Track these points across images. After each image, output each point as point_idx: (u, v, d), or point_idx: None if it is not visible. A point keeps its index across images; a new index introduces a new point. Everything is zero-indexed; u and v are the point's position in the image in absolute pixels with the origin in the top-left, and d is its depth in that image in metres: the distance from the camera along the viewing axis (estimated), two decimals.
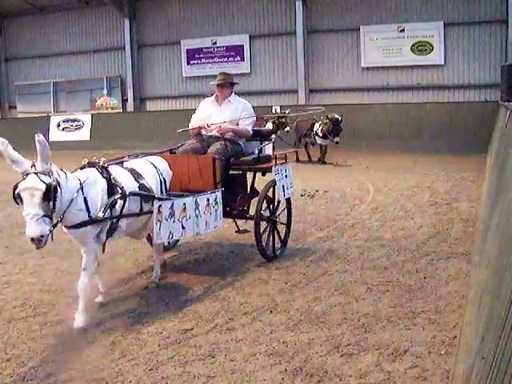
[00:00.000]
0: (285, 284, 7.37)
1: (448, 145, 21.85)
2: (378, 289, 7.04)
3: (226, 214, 8.25)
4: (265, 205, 8.54)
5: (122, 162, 7.20)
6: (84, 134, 30.30)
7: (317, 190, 14.19)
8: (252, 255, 8.76)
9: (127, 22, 30.16)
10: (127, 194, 6.52)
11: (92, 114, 30.80)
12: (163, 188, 7.42)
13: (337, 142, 19.66)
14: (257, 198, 8.45)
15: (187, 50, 29.74)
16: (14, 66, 33.65)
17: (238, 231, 9.05)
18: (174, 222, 6.89)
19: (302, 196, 13.65)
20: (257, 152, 8.62)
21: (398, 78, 26.35)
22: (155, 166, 7.44)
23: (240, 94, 29.17)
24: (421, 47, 25.75)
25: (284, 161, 8.91)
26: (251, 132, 8.83)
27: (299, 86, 27.56)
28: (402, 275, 7.56)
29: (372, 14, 26.19)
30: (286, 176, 8.72)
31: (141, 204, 6.87)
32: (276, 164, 8.60)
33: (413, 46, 25.83)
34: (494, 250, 4.94)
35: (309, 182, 15.78)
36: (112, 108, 31.70)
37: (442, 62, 25.62)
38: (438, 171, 17.04)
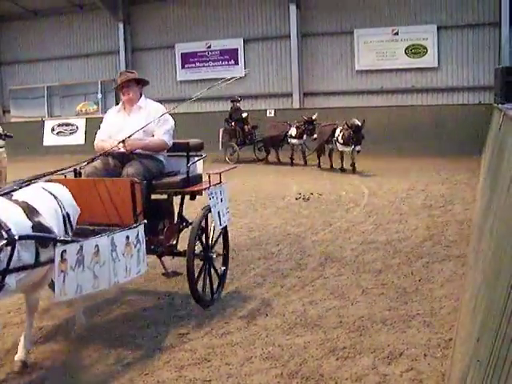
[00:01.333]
0: (280, 287, 7.37)
1: (442, 147, 21.87)
2: (373, 292, 7.05)
3: (148, 251, 6.42)
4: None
5: (9, 193, 5.28)
6: (78, 138, 30.21)
7: (311, 194, 14.19)
8: (245, 259, 8.76)
9: (121, 26, 30.10)
10: (16, 237, 4.70)
11: (86, 118, 30.71)
12: (67, 226, 5.59)
13: (358, 151, 18.00)
14: (188, 229, 7.06)
15: (181, 54, 29.71)
16: (7, 71, 33.56)
17: (166, 273, 7.79)
18: (83, 271, 5.21)
19: (296, 199, 13.66)
20: (185, 171, 7.01)
21: (393, 81, 26.37)
22: (55, 197, 5.57)
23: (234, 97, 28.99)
24: (415, 50, 25.77)
25: (219, 181, 7.25)
26: (170, 143, 7.12)
27: (294, 90, 27.55)
28: (397, 278, 7.57)
29: (366, 17, 26.20)
30: (221, 200, 7.19)
31: (37, 251, 5.02)
32: (210, 185, 7.03)
33: (407, 48, 25.85)
34: (488, 252, 4.95)
35: (303, 185, 15.81)
36: (92, 113, 31.72)
37: (436, 65, 25.65)
38: (433, 174, 17.07)
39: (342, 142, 18.36)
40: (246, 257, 8.87)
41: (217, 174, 7.24)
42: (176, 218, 7.27)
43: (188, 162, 7.19)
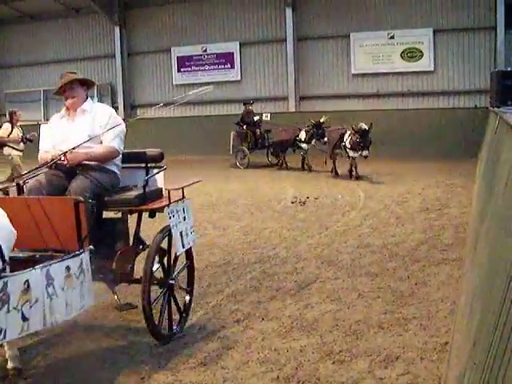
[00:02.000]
0: (276, 291, 7.36)
1: (438, 151, 21.90)
2: (369, 295, 7.04)
3: (98, 278, 5.64)
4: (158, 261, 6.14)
5: None
6: None
7: (307, 197, 14.18)
8: (242, 263, 8.75)
9: (117, 30, 30.09)
10: None
11: None
12: None
13: (365, 156, 16.98)
14: (145, 253, 6.10)
15: (177, 58, 29.70)
16: (3, 74, 33.50)
17: (120, 307, 6.70)
18: (7, 312, 4.20)
19: (292, 203, 13.66)
20: (142, 185, 6.07)
21: (388, 85, 26.40)
22: None
23: (230, 101, 29.17)
24: (410, 54, 25.80)
25: (181, 196, 6.39)
26: (120, 150, 6.26)
27: (289, 93, 27.56)
28: (393, 281, 7.57)
29: (362, 20, 26.22)
30: (184, 218, 6.30)
31: None
32: (170, 202, 6.12)
33: (402, 52, 25.87)
34: (484, 255, 4.95)
35: (299, 189, 15.81)
36: None
37: (432, 69, 25.67)
38: (429, 177, 17.07)
39: (349, 147, 17.54)
40: (242, 260, 8.87)
41: (178, 189, 6.35)
42: (132, 240, 6.31)
43: (147, 175, 6.40)
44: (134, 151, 6.71)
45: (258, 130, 22.62)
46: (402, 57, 25.88)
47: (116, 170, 6.25)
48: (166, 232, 6.07)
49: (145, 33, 30.22)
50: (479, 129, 20.18)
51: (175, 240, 6.07)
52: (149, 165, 6.60)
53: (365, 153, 16.86)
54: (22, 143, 15.02)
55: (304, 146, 20.15)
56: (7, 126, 15.06)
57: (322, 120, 19.59)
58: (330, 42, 27.06)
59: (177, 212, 6.17)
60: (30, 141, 14.96)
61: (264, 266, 8.56)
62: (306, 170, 20.31)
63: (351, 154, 17.58)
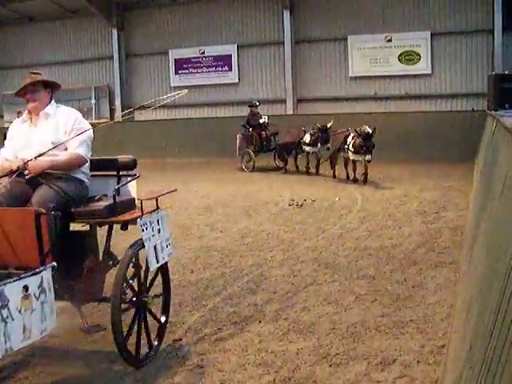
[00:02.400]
0: (273, 294, 7.36)
1: (435, 154, 21.89)
2: (366, 298, 7.04)
3: (63, 296, 5.22)
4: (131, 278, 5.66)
5: None
6: None
7: (305, 200, 14.18)
8: (239, 265, 8.75)
9: (115, 32, 30.08)
10: None
11: None
12: None
13: (368, 161, 16.53)
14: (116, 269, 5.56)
15: (175, 60, 29.71)
16: (1, 76, 33.47)
17: (86, 329, 5.98)
18: None
19: (290, 205, 13.66)
20: (112, 195, 5.53)
21: (386, 88, 26.43)
22: None
23: (228, 103, 29.20)
24: (408, 57, 25.83)
25: (155, 207, 5.87)
26: (87, 158, 5.75)
27: (287, 96, 27.57)
28: (390, 284, 7.57)
29: (359, 23, 26.25)
30: (159, 231, 5.79)
31: None
32: (143, 213, 5.61)
33: (400, 55, 25.91)
34: (481, 258, 4.96)
35: (297, 191, 15.81)
36: None
37: (430, 72, 25.71)
38: (426, 180, 17.08)
39: (352, 150, 17.09)
40: (239, 263, 8.87)
41: (150, 198, 5.82)
42: (102, 255, 5.84)
43: (119, 183, 5.93)
44: (104, 158, 6.21)
45: (264, 133, 22.10)
46: (399, 60, 25.92)
47: (84, 179, 5.76)
48: (139, 246, 5.56)
49: (143, 35, 30.22)
50: (476, 132, 20.17)
51: (148, 254, 5.56)
52: (121, 173, 6.09)
53: (367, 157, 16.44)
54: None
55: (308, 148, 19.80)
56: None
57: (328, 125, 18.99)
58: (327, 45, 27.08)
59: (150, 224, 5.67)
60: None
61: (261, 268, 8.56)
62: (312, 173, 19.86)
63: (353, 157, 17.23)
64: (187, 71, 29.57)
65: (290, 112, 27.26)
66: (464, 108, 24.96)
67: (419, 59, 25.70)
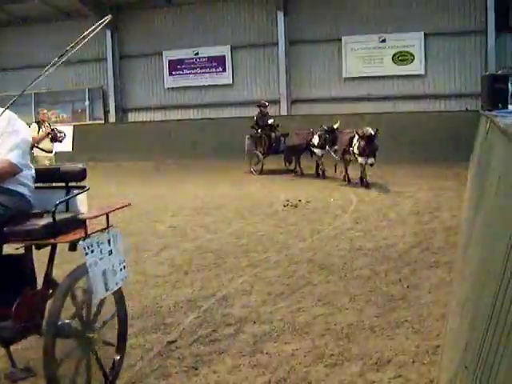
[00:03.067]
0: (268, 295, 7.35)
1: (429, 154, 21.94)
2: (361, 299, 7.04)
3: None
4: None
5: None
6: (66, 146, 30.13)
7: (299, 201, 14.18)
8: (233, 267, 8.75)
9: (109, 34, 30.08)
10: None
11: (74, 126, 30.62)
12: None
13: (371, 164, 16.02)
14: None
15: (169, 61, 29.74)
16: None
17: (10, 375, 4.80)
18: None
19: (284, 207, 13.66)
20: (52, 211, 4.57)
21: (380, 88, 26.48)
22: None
23: (222, 104, 29.28)
24: (402, 57, 25.92)
25: (106, 225, 4.88)
26: (21, 165, 4.75)
27: (281, 97, 27.62)
28: (384, 285, 7.57)
29: (353, 24, 26.32)
30: (110, 253, 4.79)
31: None
32: (87, 233, 4.60)
33: (394, 56, 26.00)
34: (475, 258, 4.96)
35: (291, 192, 15.81)
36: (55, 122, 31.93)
37: (423, 72, 25.81)
38: (420, 180, 17.10)
39: (357, 152, 16.37)
40: (234, 264, 8.85)
41: (97, 216, 4.85)
42: (41, 283, 4.82)
43: (67, 195, 5.09)
44: (48, 167, 5.40)
45: (273, 134, 21.29)
46: (393, 60, 26.00)
47: (24, 192, 4.80)
48: (81, 273, 4.63)
49: (136, 36, 30.25)
50: (470, 132, 20.21)
51: (94, 282, 4.55)
52: (71, 184, 5.23)
53: (370, 160, 15.89)
54: (51, 144, 14.90)
55: (317, 151, 19.00)
56: (34, 126, 14.90)
57: (335, 126, 18.27)
58: (321, 46, 27.17)
59: (98, 246, 4.65)
60: (59, 141, 14.85)
61: (255, 269, 8.55)
62: (320, 176, 19.09)
63: (359, 160, 16.45)
64: (181, 72, 29.63)
65: (284, 113, 27.33)
66: (458, 108, 25.06)
67: (413, 60, 25.81)
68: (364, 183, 16.58)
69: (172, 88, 29.97)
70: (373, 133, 15.99)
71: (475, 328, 3.42)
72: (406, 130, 23.75)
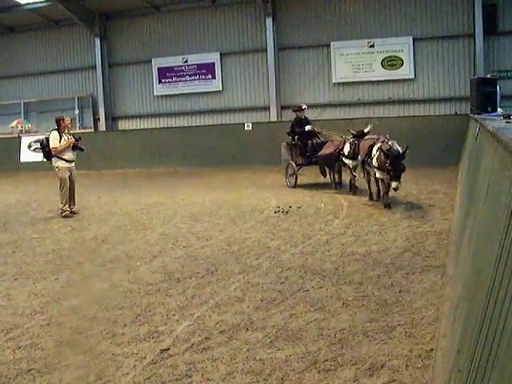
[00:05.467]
0: (260, 301, 7.34)
1: (419, 158, 21.90)
2: (353, 304, 7.04)
3: None
4: None
5: None
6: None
7: (290, 207, 14.19)
8: (225, 273, 8.74)
9: (98, 42, 30.09)
10: None
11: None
12: None
13: (394, 189, 12.90)
14: None
15: (158, 69, 29.74)
16: None
17: None
18: None
19: (275, 213, 13.65)
20: None
21: (369, 93, 26.56)
22: None
23: (212, 111, 29.33)
24: (391, 62, 26.00)
25: None
26: None
27: (271, 103, 27.65)
28: (377, 289, 7.57)
29: (342, 29, 26.43)
30: None
31: None
32: None
33: (383, 60, 26.07)
34: (467, 262, 4.97)
35: (282, 198, 15.81)
36: (27, 131, 31.94)
37: (412, 76, 25.90)
38: (411, 184, 17.10)
39: (376, 165, 13.70)
40: (226, 271, 8.84)
41: None
42: None
43: None
44: None
45: (309, 142, 18.36)
46: (382, 65, 26.07)
47: None
48: None
49: (125, 44, 30.26)
50: (460, 135, 20.30)
51: None
52: None
53: (394, 184, 12.79)
54: (72, 153, 14.41)
55: (348, 162, 16.05)
56: (55, 134, 14.29)
57: (366, 130, 15.92)
58: (310, 51, 27.23)
59: None
60: (81, 149, 14.51)
61: (248, 276, 8.54)
62: (352, 190, 16.28)
63: (378, 174, 13.79)
64: (170, 80, 29.62)
65: (274, 119, 27.38)
66: (447, 112, 25.17)
67: (402, 64, 25.89)
68: (385, 203, 13.69)
69: (162, 96, 29.97)
70: (400, 151, 13.07)
71: (468, 332, 3.43)
72: (395, 135, 23.63)
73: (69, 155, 14.40)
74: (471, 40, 24.50)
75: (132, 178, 24.00)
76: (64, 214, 14.17)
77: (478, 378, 2.57)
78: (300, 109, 19.13)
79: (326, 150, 17.35)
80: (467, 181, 10.36)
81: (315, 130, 18.50)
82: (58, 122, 14.28)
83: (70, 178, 14.32)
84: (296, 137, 18.47)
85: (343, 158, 16.34)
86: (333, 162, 17.32)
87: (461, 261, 5.93)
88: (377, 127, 17.77)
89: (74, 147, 14.44)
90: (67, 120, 14.60)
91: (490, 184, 4.74)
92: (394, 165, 12.76)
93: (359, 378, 5.06)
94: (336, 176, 17.56)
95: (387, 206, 13.53)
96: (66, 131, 14.59)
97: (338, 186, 17.23)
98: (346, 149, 16.05)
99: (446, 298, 6.41)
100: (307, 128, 18.28)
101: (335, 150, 16.84)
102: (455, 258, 6.97)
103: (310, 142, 18.33)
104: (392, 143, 13.31)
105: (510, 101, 23.52)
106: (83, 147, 14.58)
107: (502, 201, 3.33)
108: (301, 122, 18.68)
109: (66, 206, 14.24)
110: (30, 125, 32.30)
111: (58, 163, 14.32)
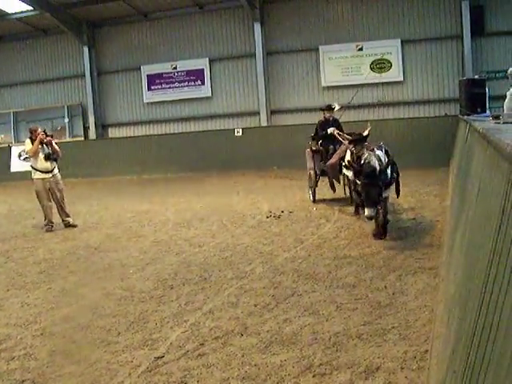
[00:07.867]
0: (254, 306, 7.34)
1: (410, 160, 21.96)
2: (347, 307, 7.04)
3: None
4: None
5: None
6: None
7: (282, 211, 14.19)
8: (218, 279, 8.73)
9: (86, 50, 30.08)
10: None
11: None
12: None
13: (367, 217, 10.04)
14: None
15: (147, 76, 29.74)
16: None
17: None
18: None
19: (267, 217, 13.65)
20: None
21: (359, 96, 26.60)
22: None
23: (202, 117, 29.35)
24: (380, 65, 26.07)
25: None
26: None
27: (261, 108, 27.67)
28: (370, 292, 7.57)
29: (330, 33, 26.50)
30: None
31: None
32: None
33: (372, 63, 26.14)
34: (459, 263, 4.98)
35: (274, 203, 15.80)
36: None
37: (401, 79, 25.99)
38: (402, 187, 17.11)
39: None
40: (219, 277, 8.83)
41: None
42: None
43: None
44: None
45: (331, 147, 15.24)
46: (371, 68, 26.13)
47: None
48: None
49: (114, 52, 30.26)
50: (450, 137, 20.37)
51: None
52: None
53: (366, 212, 9.92)
54: (48, 163, 13.70)
55: (347, 173, 12.61)
56: (28, 141, 13.97)
57: (365, 133, 12.34)
58: (299, 56, 27.29)
59: None
60: (55, 160, 13.84)
61: (241, 281, 8.54)
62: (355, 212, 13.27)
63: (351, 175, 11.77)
64: (160, 87, 29.62)
65: (264, 124, 27.40)
66: (437, 114, 25.26)
67: (390, 67, 25.96)
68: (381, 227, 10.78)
69: (151, 102, 29.96)
70: (377, 168, 10.05)
71: (462, 333, 3.43)
72: (385, 137, 23.71)
73: (43, 165, 13.76)
74: (459, 41, 24.62)
75: (123, 186, 23.97)
76: (45, 229, 13.81)
77: (473, 379, 2.57)
78: (329, 108, 15.98)
79: (332, 159, 14.61)
80: (458, 181, 10.37)
81: (339, 133, 14.76)
82: (31, 132, 14.06)
83: (51, 190, 13.78)
84: (320, 141, 15.65)
85: (344, 169, 13.00)
86: (336, 173, 14.62)
87: (453, 262, 5.93)
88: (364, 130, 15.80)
89: (47, 157, 13.78)
90: (40, 131, 14.17)
91: (480, 184, 4.75)
92: (367, 186, 9.93)
93: (355, 381, 5.06)
94: (347, 190, 14.86)
95: (376, 235, 10.76)
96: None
97: (356, 207, 13.22)
98: (347, 157, 12.18)
99: (440, 299, 6.41)
100: (330, 130, 15.13)
101: (338, 159, 14.06)
102: (448, 259, 6.98)
103: (331, 147, 15.20)
104: (369, 154, 10.20)
105: (498, 101, 23.61)
106: (57, 148, 13.97)
107: (493, 201, 3.34)
108: (326, 124, 15.62)
109: (47, 220, 13.87)
110: (2, 136, 32.36)
111: (34, 175, 13.83)
